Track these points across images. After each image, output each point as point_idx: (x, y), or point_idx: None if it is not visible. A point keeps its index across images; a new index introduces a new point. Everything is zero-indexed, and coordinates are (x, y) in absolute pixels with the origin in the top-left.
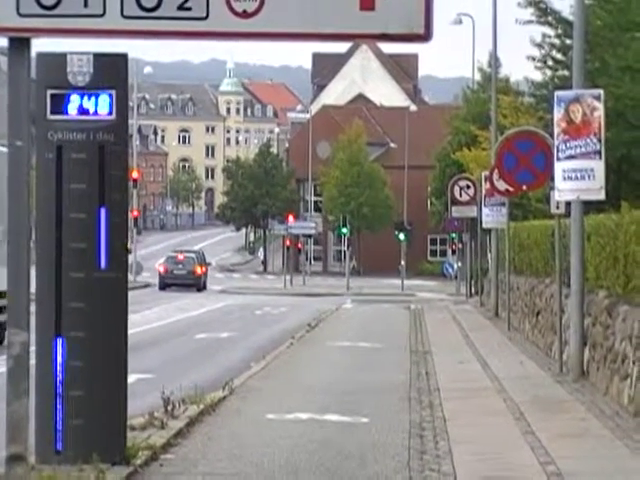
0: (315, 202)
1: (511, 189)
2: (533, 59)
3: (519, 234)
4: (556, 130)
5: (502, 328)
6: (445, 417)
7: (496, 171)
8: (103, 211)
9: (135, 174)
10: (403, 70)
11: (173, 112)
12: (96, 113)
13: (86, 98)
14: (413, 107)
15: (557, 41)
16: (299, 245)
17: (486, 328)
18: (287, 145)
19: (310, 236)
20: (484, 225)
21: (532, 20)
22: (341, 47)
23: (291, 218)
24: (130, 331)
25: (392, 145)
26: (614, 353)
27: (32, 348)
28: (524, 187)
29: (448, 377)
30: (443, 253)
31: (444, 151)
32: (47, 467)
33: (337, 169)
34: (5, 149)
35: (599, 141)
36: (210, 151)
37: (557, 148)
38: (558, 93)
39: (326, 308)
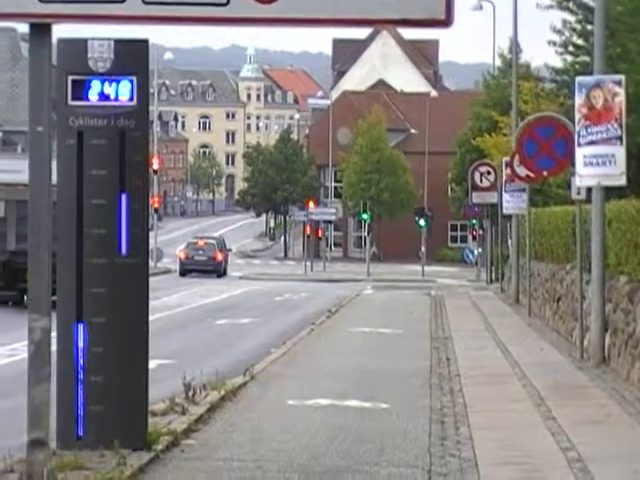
0: (335, 188)
1: (532, 175)
2: (554, 44)
3: (540, 220)
4: (577, 116)
5: (523, 314)
6: (466, 403)
7: (517, 157)
8: (124, 197)
9: (156, 165)
10: (423, 56)
11: (193, 98)
12: (117, 99)
13: (107, 84)
14: (434, 93)
15: (578, 27)
16: (319, 232)
17: (507, 314)
18: (307, 131)
19: (330, 222)
20: (504, 211)
21: (553, 5)
22: (361, 33)
23: (311, 204)
24: (151, 317)
25: (412, 131)
26: (635, 339)
27: (53, 334)
28: (545, 173)
29: (469, 363)
30: (463, 239)
31: (465, 137)
32: (68, 452)
33: (357, 155)
34: None
35: (620, 127)
36: (230, 137)
37: (578, 134)
38: (579, 79)
39: (346, 294)
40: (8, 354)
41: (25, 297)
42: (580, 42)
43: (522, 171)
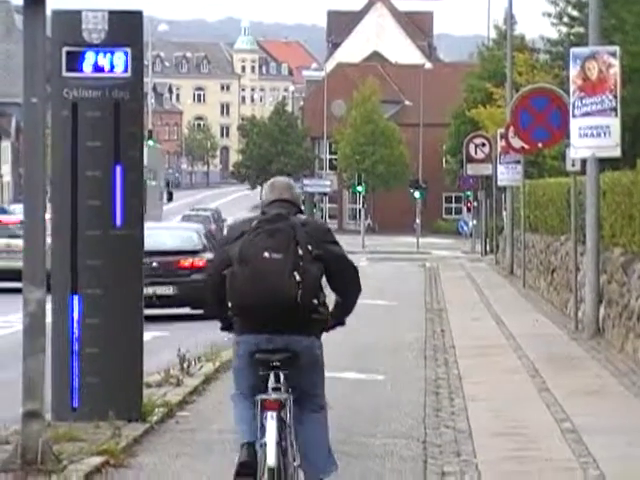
0: (330, 160)
1: (527, 146)
2: (549, 16)
3: (534, 192)
4: (572, 87)
5: (517, 286)
6: (460, 374)
7: (512, 128)
8: (119, 169)
9: (152, 142)
10: (418, 27)
11: (188, 70)
12: (111, 70)
13: (101, 55)
14: (428, 65)
15: None
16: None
17: (501, 286)
18: (302, 103)
19: (325, 194)
20: (499, 183)
21: None
22: (356, 4)
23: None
24: None
25: (407, 103)
26: (629, 310)
27: (48, 305)
28: (540, 144)
29: (463, 334)
30: (458, 211)
31: (459, 109)
32: (63, 424)
33: (351, 127)
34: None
35: (615, 98)
36: (225, 109)
37: (573, 105)
38: (574, 50)
39: None
40: (2, 325)
41: None
42: (575, 13)
43: (517, 143)
